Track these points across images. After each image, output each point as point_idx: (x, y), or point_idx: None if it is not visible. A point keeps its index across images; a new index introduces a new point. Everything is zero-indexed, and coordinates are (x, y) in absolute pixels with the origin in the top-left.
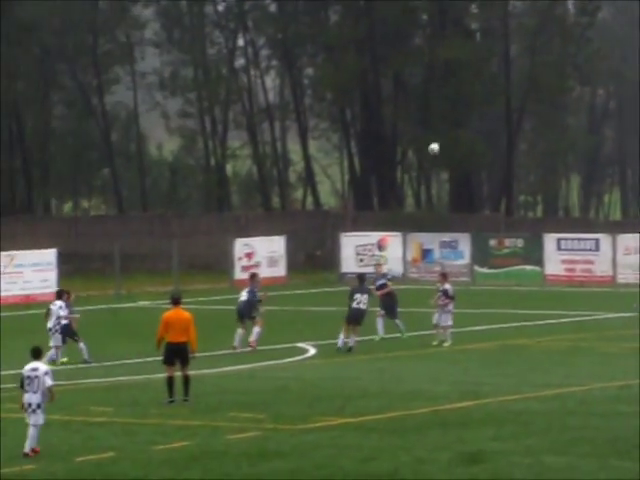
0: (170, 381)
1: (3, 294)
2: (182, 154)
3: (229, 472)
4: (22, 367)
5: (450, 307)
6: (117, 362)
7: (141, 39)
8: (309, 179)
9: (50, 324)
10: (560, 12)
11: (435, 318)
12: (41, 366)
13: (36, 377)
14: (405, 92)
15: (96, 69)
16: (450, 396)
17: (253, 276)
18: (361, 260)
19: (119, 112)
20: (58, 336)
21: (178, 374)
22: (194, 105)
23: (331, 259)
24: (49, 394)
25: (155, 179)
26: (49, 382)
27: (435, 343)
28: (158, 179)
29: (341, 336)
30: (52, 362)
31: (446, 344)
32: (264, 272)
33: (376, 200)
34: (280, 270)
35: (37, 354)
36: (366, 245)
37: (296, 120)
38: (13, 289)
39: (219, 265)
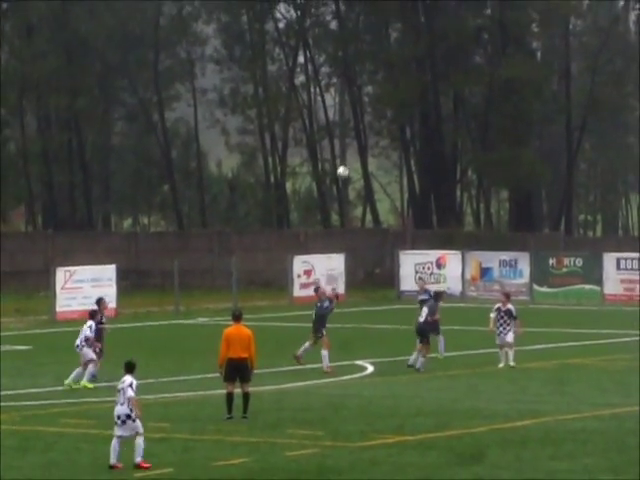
0: (229, 397)
1: (62, 309)
2: (242, 171)
3: None
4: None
5: (514, 327)
6: (175, 378)
7: (202, 56)
8: (368, 197)
9: (77, 341)
10: (621, 30)
11: (499, 339)
12: (127, 378)
13: (122, 389)
14: (465, 110)
15: (157, 85)
16: (509, 414)
17: (316, 290)
18: (420, 278)
19: (179, 129)
20: (87, 350)
21: (238, 390)
22: (254, 122)
23: (390, 277)
24: (130, 405)
25: (215, 196)
26: (130, 393)
27: (502, 365)
28: (218, 196)
29: (414, 353)
30: (93, 378)
31: (511, 363)
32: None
33: (435, 218)
34: (339, 287)
35: (130, 368)
36: (425, 263)
37: (356, 138)
38: (72, 304)
39: (278, 282)
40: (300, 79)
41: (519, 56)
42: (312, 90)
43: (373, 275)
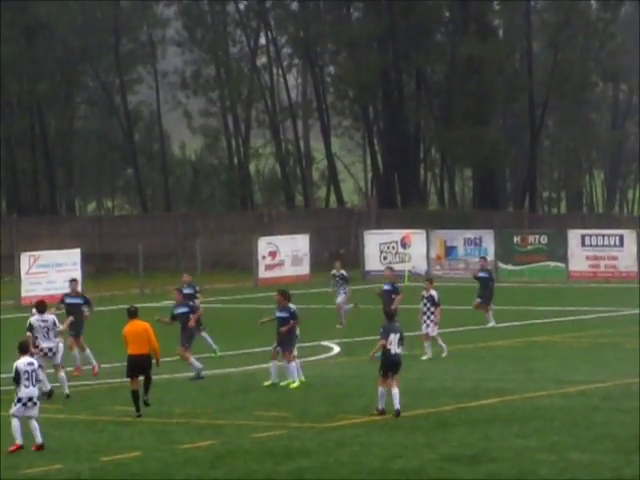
0: (135, 395)
1: (27, 294)
2: (205, 153)
3: (254, 471)
4: (47, 366)
5: (437, 315)
6: None
7: (163, 38)
8: (332, 177)
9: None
10: (583, 7)
11: (424, 328)
12: (32, 360)
13: (33, 371)
14: (428, 89)
15: (118, 69)
16: (475, 393)
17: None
18: (385, 258)
19: (142, 111)
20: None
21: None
22: (216, 104)
23: (355, 257)
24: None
25: (178, 178)
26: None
27: (424, 357)
28: (181, 178)
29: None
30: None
31: (429, 355)
32: (288, 271)
33: (399, 198)
34: (304, 268)
35: (24, 350)
36: (390, 243)
37: (319, 118)
38: (37, 289)
39: (243, 264)
40: (262, 60)
41: (481, 34)
42: (274, 71)
43: (338, 255)
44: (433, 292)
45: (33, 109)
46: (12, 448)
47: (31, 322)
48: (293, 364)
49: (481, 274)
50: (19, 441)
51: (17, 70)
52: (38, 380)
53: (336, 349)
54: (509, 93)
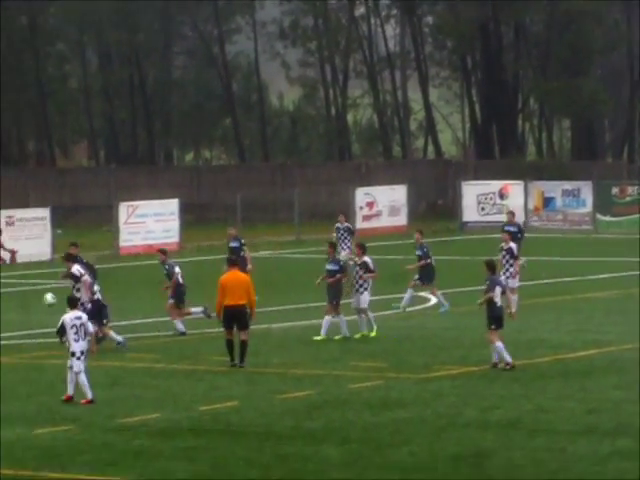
0: (230, 344)
1: (125, 244)
2: (303, 103)
3: (351, 421)
4: (143, 316)
5: (516, 268)
6: None
7: None
8: (430, 128)
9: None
10: None
11: (510, 282)
12: (81, 314)
13: (82, 325)
14: (526, 40)
15: (217, 19)
16: (572, 345)
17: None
18: (483, 209)
19: (240, 62)
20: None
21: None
22: (314, 54)
23: (453, 208)
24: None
25: (276, 129)
26: (92, 329)
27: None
28: (279, 129)
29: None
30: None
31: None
32: (385, 221)
33: (497, 148)
34: (401, 219)
35: (73, 304)
36: (487, 194)
37: (417, 68)
38: (135, 239)
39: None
40: (360, 11)
41: None
42: (372, 21)
43: (435, 206)
44: (513, 245)
45: (132, 59)
46: (83, 401)
47: (74, 272)
48: (327, 318)
49: (508, 228)
50: (89, 395)
51: (116, 21)
52: (87, 333)
53: (433, 300)
54: (608, 43)
